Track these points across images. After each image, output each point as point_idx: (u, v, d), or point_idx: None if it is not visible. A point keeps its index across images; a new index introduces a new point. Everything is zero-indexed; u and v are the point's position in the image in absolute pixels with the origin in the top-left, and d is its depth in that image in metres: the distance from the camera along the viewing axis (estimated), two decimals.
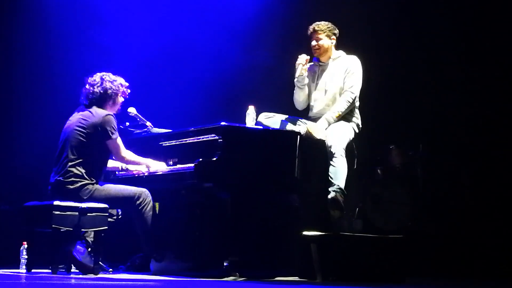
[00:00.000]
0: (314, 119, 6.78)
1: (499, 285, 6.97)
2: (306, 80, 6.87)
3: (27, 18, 8.65)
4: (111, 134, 6.39)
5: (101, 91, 6.52)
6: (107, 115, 6.41)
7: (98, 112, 6.44)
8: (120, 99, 6.63)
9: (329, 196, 6.38)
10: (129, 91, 6.69)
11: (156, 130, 7.06)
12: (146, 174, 6.64)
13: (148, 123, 7.09)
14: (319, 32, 6.83)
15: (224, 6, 8.99)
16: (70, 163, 6.32)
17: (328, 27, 6.85)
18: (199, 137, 6.45)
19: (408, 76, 8.89)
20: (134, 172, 6.75)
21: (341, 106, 6.69)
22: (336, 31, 6.89)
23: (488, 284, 6.99)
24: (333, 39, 6.89)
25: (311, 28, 6.87)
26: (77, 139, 6.38)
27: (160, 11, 9.01)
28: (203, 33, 9.02)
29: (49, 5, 8.66)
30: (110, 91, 6.53)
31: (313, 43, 6.85)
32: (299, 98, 6.93)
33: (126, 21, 8.88)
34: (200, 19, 9.05)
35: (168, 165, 6.66)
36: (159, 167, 6.61)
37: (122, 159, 6.56)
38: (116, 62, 8.41)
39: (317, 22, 6.87)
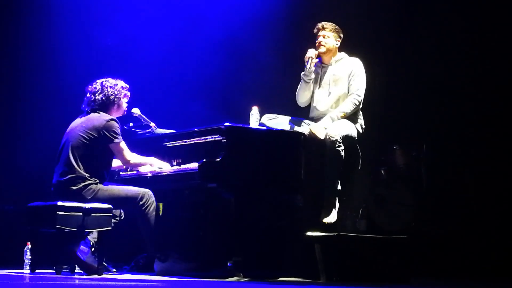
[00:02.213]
0: (317, 120, 6.79)
1: (503, 285, 6.97)
2: (313, 76, 6.88)
3: (32, 20, 8.65)
4: (113, 139, 6.40)
5: (103, 98, 6.53)
6: (110, 119, 6.42)
7: (102, 116, 6.45)
8: (124, 102, 6.64)
9: (324, 220, 6.38)
10: (129, 93, 6.68)
11: (160, 130, 7.07)
12: (150, 175, 6.64)
13: (152, 124, 7.09)
14: (328, 30, 6.86)
15: (228, 7, 8.99)
16: (72, 165, 6.32)
17: (336, 28, 6.90)
18: (203, 138, 6.46)
19: (412, 77, 8.88)
20: (141, 171, 6.73)
21: (347, 107, 6.70)
22: (342, 35, 6.92)
23: (492, 284, 6.99)
24: (338, 41, 6.92)
25: (319, 25, 6.89)
26: (79, 141, 6.38)
27: (164, 12, 9.01)
28: (207, 34, 9.02)
29: (54, 6, 8.67)
30: (112, 96, 6.55)
31: (320, 39, 6.86)
32: (304, 93, 6.92)
33: (130, 22, 8.88)
34: (204, 20, 9.05)
35: (172, 165, 6.66)
36: (162, 166, 6.62)
37: (127, 163, 6.57)
38: (120, 63, 8.42)
39: (325, 22, 6.91)
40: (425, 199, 8.47)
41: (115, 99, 6.56)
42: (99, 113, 6.49)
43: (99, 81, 6.60)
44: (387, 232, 8.03)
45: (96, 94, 6.53)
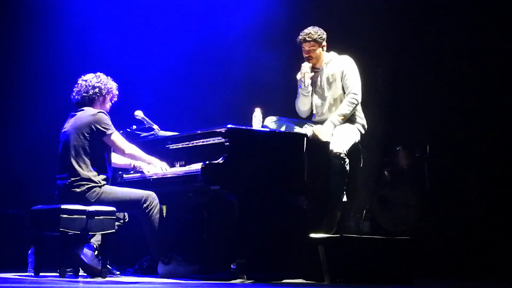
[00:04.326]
0: (319, 124, 6.78)
1: (507, 285, 6.95)
2: (310, 88, 6.86)
3: (28, 20, 8.65)
4: (105, 131, 6.40)
5: (90, 89, 6.53)
6: (98, 112, 6.43)
7: (89, 112, 6.46)
8: (109, 99, 6.63)
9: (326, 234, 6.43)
10: (117, 93, 6.67)
11: (163, 133, 7.07)
12: (153, 177, 6.64)
13: (155, 126, 7.09)
14: (312, 43, 6.79)
15: (231, 9, 8.99)
16: (74, 167, 6.32)
17: (318, 35, 6.80)
18: (205, 140, 6.46)
19: (415, 78, 8.88)
20: (146, 174, 6.71)
21: (346, 108, 6.69)
22: (325, 35, 6.85)
23: (495, 284, 6.98)
24: (324, 45, 6.86)
25: (301, 38, 6.81)
26: (76, 141, 6.38)
27: (166, 14, 9.02)
28: (209, 36, 9.02)
29: (54, 7, 8.67)
30: (98, 89, 6.55)
31: (306, 53, 6.82)
32: (304, 106, 6.93)
33: (132, 24, 8.88)
34: (207, 21, 9.05)
35: (175, 167, 6.65)
36: (162, 165, 6.61)
37: (122, 153, 6.53)
38: (122, 65, 8.42)
39: (307, 32, 6.81)
40: (428, 200, 8.47)
41: (100, 91, 6.55)
42: (85, 109, 6.49)
43: (90, 74, 6.63)
44: (391, 233, 8.04)
45: (83, 84, 6.55)
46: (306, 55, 6.83)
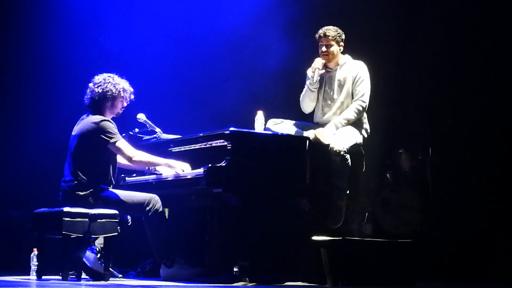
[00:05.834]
0: (322, 125, 6.78)
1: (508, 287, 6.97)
2: (318, 85, 6.85)
3: (35, 20, 8.67)
4: (109, 139, 6.33)
5: (100, 92, 6.45)
6: (102, 121, 6.35)
7: (93, 119, 6.39)
8: (120, 103, 6.55)
9: (331, 226, 6.43)
10: (132, 96, 6.60)
11: (165, 136, 7.07)
12: (154, 181, 6.63)
13: (157, 129, 7.09)
14: (330, 38, 6.77)
15: (232, 10, 9.00)
16: (77, 171, 6.31)
17: (338, 33, 6.79)
18: (208, 143, 6.45)
19: (418, 80, 8.89)
20: (162, 175, 6.65)
21: (351, 114, 6.67)
22: (344, 37, 6.85)
23: (497, 287, 6.98)
24: (341, 45, 6.85)
25: (321, 33, 6.80)
26: (80, 147, 6.36)
27: (168, 16, 9.03)
28: (212, 38, 9.03)
29: (61, 11, 8.69)
30: (109, 93, 6.45)
31: (323, 49, 6.79)
32: (309, 100, 6.90)
33: (135, 26, 8.89)
34: (209, 23, 9.06)
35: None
36: (183, 166, 6.47)
37: (129, 160, 6.42)
38: (124, 67, 8.41)
39: (326, 27, 6.81)
40: (430, 202, 8.48)
41: (111, 96, 6.45)
42: (90, 115, 6.44)
43: (105, 75, 6.56)
44: (393, 235, 8.04)
45: (96, 87, 6.49)
46: (322, 52, 6.81)
